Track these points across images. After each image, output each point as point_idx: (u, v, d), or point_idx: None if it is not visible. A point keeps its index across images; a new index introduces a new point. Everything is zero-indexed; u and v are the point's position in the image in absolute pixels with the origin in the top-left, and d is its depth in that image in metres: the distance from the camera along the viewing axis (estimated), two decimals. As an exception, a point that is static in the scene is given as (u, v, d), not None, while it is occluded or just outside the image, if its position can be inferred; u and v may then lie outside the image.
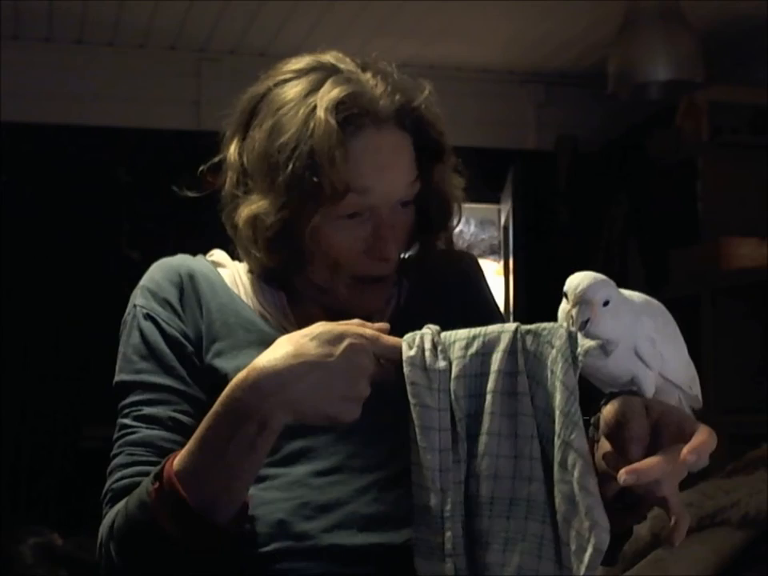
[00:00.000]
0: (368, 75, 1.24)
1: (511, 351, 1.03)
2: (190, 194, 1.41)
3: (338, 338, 1.04)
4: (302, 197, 1.20)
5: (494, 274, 4.61)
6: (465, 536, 1.01)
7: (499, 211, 4.64)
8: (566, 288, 1.01)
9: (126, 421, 1.21)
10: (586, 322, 0.99)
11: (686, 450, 0.95)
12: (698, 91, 3.50)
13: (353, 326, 1.07)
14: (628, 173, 4.17)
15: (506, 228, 4.50)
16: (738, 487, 2.14)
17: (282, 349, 1.05)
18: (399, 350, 1.06)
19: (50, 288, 3.96)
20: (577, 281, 1.00)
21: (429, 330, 1.07)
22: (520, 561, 0.99)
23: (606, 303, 0.99)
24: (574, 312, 1.00)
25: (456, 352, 1.04)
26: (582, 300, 0.99)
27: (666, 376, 1.06)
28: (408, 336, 1.07)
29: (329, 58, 1.27)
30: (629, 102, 3.60)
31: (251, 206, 1.24)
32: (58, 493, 3.89)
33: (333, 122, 1.18)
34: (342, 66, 1.25)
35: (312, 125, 1.19)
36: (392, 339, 1.07)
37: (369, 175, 1.21)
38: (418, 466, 1.02)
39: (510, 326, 1.05)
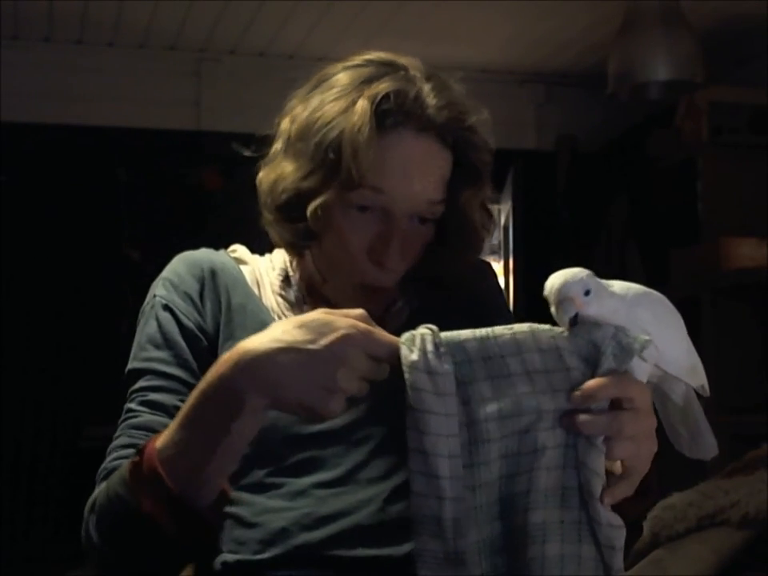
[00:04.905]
0: (429, 85, 1.24)
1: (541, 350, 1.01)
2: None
3: (328, 326, 1.00)
4: (321, 173, 1.20)
5: (494, 274, 4.60)
6: (488, 540, 0.98)
7: (499, 211, 4.64)
8: (545, 293, 1.01)
9: (132, 405, 1.21)
10: (575, 317, 1.00)
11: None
12: (698, 91, 3.50)
13: (351, 317, 1.02)
14: (628, 173, 4.17)
15: (505, 228, 4.50)
16: (738, 487, 2.13)
17: (270, 333, 1.03)
18: (393, 348, 1.01)
19: (49, 288, 3.96)
20: (551, 283, 1.01)
21: (428, 331, 1.02)
22: (561, 549, 0.99)
23: (587, 293, 1.00)
24: (557, 313, 1.00)
25: (468, 354, 1.00)
26: (561, 299, 1.00)
27: (664, 368, 1.06)
28: (406, 337, 1.01)
29: (404, 61, 1.27)
30: (629, 101, 3.59)
31: (277, 169, 1.25)
32: (58, 493, 3.89)
33: (369, 110, 1.18)
34: (409, 67, 1.26)
35: (352, 108, 1.19)
36: (386, 336, 1.02)
37: (387, 177, 1.20)
38: (423, 475, 0.98)
39: (522, 326, 1.03)
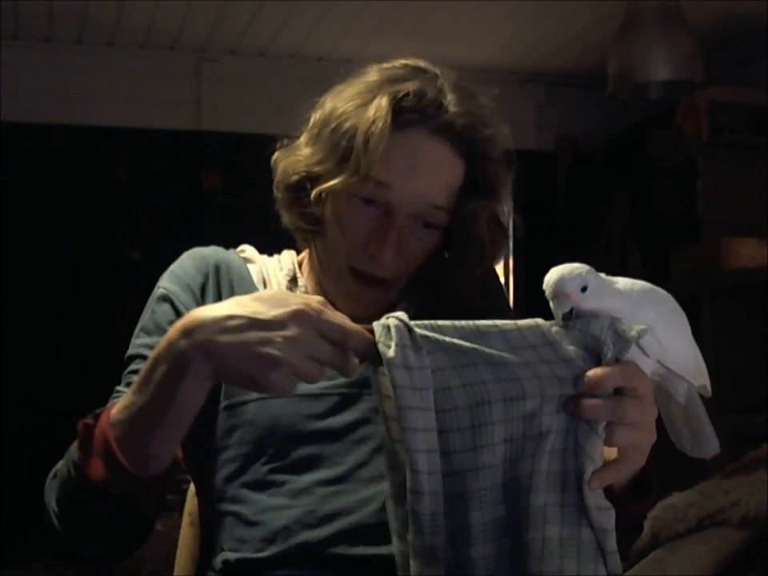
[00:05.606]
0: (454, 93, 1.25)
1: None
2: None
3: (282, 301, 0.99)
4: (333, 159, 1.23)
5: (494, 274, 4.60)
6: (491, 524, 0.97)
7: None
8: (543, 286, 1.01)
9: (119, 387, 1.25)
10: (570, 312, 1.00)
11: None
12: (698, 91, 3.50)
13: (310, 299, 1.00)
14: (628, 173, 4.17)
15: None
16: (738, 487, 2.14)
17: (225, 304, 1.02)
18: (344, 330, 0.98)
19: (49, 288, 3.96)
20: (548, 277, 1.01)
21: (399, 322, 0.99)
22: (561, 532, 0.99)
23: (584, 289, 1.00)
24: (552, 307, 1.01)
25: (455, 344, 0.99)
26: (556, 294, 1.00)
27: (667, 365, 1.06)
28: (379, 331, 0.99)
29: (438, 70, 1.28)
30: (629, 101, 3.59)
31: (294, 151, 1.29)
32: (57, 493, 3.89)
33: (387, 105, 1.20)
34: (440, 76, 1.26)
35: (371, 102, 1.22)
36: (339, 318, 0.99)
37: (392, 172, 1.21)
38: (408, 470, 0.96)
39: (507, 324, 1.03)
